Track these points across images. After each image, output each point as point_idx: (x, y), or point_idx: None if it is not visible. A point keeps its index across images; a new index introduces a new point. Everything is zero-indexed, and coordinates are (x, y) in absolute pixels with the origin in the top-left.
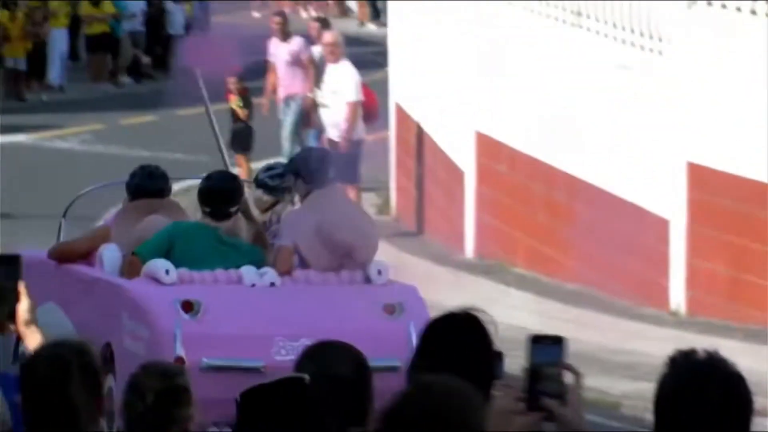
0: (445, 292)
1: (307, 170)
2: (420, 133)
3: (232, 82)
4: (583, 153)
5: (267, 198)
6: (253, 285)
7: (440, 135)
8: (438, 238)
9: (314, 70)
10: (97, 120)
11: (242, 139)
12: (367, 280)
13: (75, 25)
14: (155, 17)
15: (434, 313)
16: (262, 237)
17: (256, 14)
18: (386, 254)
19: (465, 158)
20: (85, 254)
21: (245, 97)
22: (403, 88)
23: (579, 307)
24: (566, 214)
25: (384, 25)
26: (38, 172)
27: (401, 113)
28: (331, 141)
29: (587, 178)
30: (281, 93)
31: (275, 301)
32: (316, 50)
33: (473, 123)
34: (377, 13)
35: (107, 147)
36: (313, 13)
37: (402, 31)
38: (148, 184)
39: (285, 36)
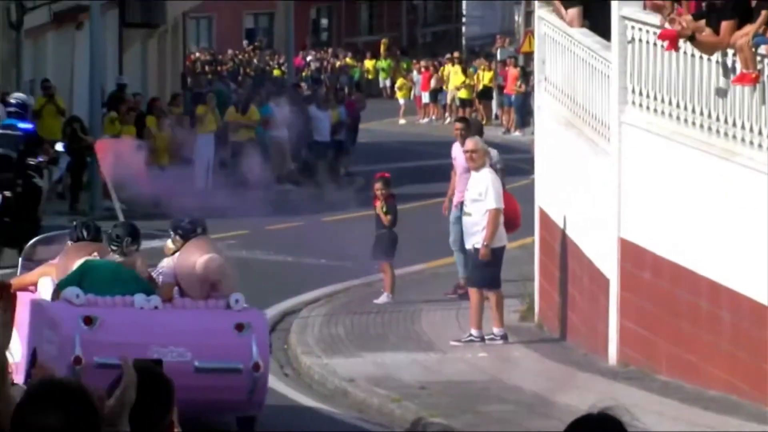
0: (588, 398)
1: (183, 227)
2: (564, 239)
3: (378, 188)
4: (727, 260)
5: (179, 241)
6: (142, 308)
7: (584, 241)
8: (581, 344)
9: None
10: (242, 225)
11: (385, 245)
12: (228, 306)
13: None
14: (301, 124)
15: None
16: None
17: (402, 121)
18: (529, 360)
19: (609, 265)
20: (34, 284)
21: (390, 203)
22: (548, 195)
23: (723, 414)
24: (710, 321)
25: (530, 132)
26: None
27: (545, 219)
28: (474, 249)
29: (731, 285)
30: (455, 198)
31: (155, 319)
32: (495, 155)
33: (617, 229)
34: (523, 121)
35: (251, 252)
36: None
37: (548, 139)
38: (83, 234)
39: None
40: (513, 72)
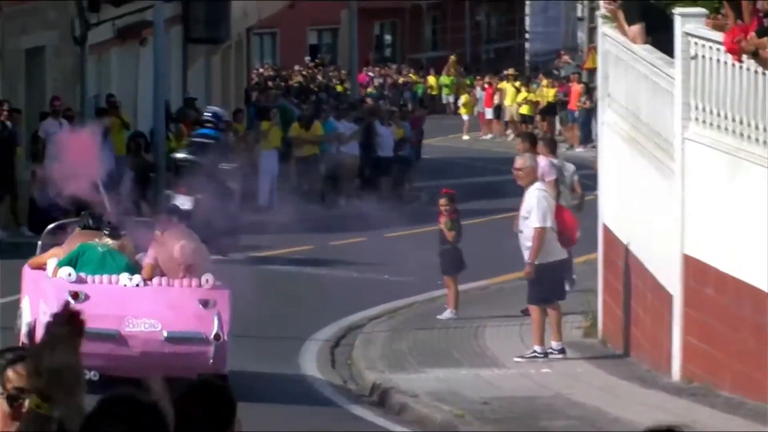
0: (651, 414)
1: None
2: (627, 255)
3: (442, 204)
4: None
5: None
6: (125, 285)
7: (647, 257)
8: (644, 360)
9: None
10: (307, 241)
11: (449, 261)
12: (199, 285)
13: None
14: (366, 140)
15: None
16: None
17: (465, 137)
18: (592, 376)
19: (672, 280)
20: (45, 263)
21: (454, 219)
22: (611, 211)
23: None
24: None
25: (593, 148)
26: (246, 292)
27: (609, 235)
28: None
29: None
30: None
31: (134, 295)
32: (570, 169)
33: (680, 245)
34: (586, 137)
35: (316, 268)
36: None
37: (611, 155)
38: (89, 222)
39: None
40: (577, 88)
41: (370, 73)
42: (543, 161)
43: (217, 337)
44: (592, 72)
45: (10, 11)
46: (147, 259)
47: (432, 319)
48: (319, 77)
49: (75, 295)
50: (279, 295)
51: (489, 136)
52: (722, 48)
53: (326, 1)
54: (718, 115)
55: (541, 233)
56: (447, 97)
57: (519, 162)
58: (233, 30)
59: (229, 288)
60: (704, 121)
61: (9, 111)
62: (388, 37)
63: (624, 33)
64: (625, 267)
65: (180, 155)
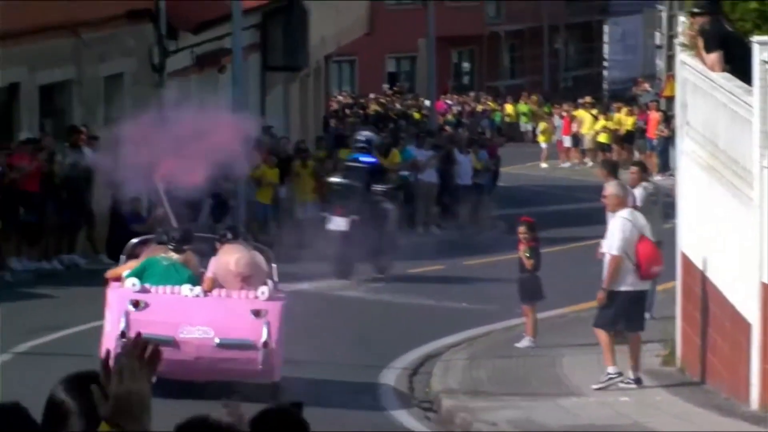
0: None
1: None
2: (706, 284)
3: (521, 232)
4: None
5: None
6: (186, 296)
7: (726, 285)
8: (722, 388)
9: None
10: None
11: (528, 289)
12: (256, 297)
13: None
14: (444, 167)
15: None
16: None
17: (543, 165)
18: (670, 405)
19: (751, 309)
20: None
21: (533, 247)
22: (690, 239)
23: None
24: None
25: (671, 176)
26: (323, 320)
27: (687, 263)
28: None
29: None
30: None
31: (191, 305)
32: (638, 194)
33: (759, 274)
34: (665, 165)
35: (394, 296)
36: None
37: (689, 183)
38: (165, 239)
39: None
40: (655, 116)
41: (448, 101)
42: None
43: (265, 344)
44: (671, 100)
45: (89, 38)
46: (207, 273)
47: (510, 347)
48: (398, 105)
49: (136, 303)
50: (357, 322)
51: (567, 164)
52: None
53: (404, 29)
54: None
55: (614, 260)
56: (525, 125)
57: (608, 189)
58: (312, 58)
59: (285, 299)
60: None
61: (88, 137)
62: (466, 65)
63: (702, 61)
64: (704, 295)
65: (335, 179)
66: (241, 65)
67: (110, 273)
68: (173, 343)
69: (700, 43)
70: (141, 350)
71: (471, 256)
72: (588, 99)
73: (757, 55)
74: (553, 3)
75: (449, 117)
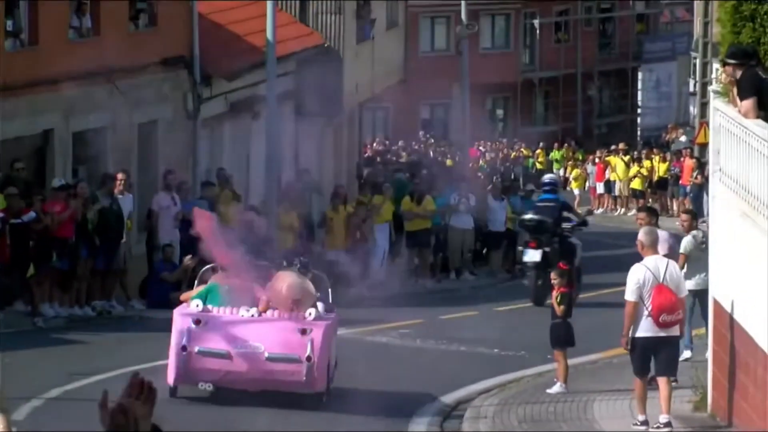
0: None
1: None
2: (737, 330)
3: (553, 278)
4: None
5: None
6: (242, 315)
7: (758, 332)
8: None
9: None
10: (417, 315)
11: (559, 335)
12: (304, 318)
13: (397, 221)
14: (478, 214)
15: None
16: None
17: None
18: None
19: None
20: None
21: (565, 294)
22: (722, 285)
23: None
24: None
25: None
26: (353, 366)
27: (719, 309)
28: None
29: None
30: None
31: (246, 324)
32: (687, 242)
33: None
34: (698, 212)
35: (425, 341)
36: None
37: (722, 230)
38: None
39: None
40: (689, 163)
41: (482, 148)
42: (663, 234)
43: (308, 358)
44: (704, 147)
45: (123, 85)
46: (263, 296)
47: (542, 393)
48: (431, 152)
49: (197, 322)
50: (389, 367)
51: (600, 210)
52: None
53: (439, 76)
54: None
55: (627, 306)
56: (558, 172)
57: (640, 235)
58: (345, 104)
59: (332, 321)
60: None
61: (125, 183)
62: (500, 112)
63: (736, 107)
64: (735, 341)
65: (527, 216)
66: (275, 112)
67: (183, 296)
68: (228, 356)
69: (735, 90)
70: (139, 390)
71: (503, 302)
72: (621, 145)
73: None
74: (587, 50)
75: (482, 163)
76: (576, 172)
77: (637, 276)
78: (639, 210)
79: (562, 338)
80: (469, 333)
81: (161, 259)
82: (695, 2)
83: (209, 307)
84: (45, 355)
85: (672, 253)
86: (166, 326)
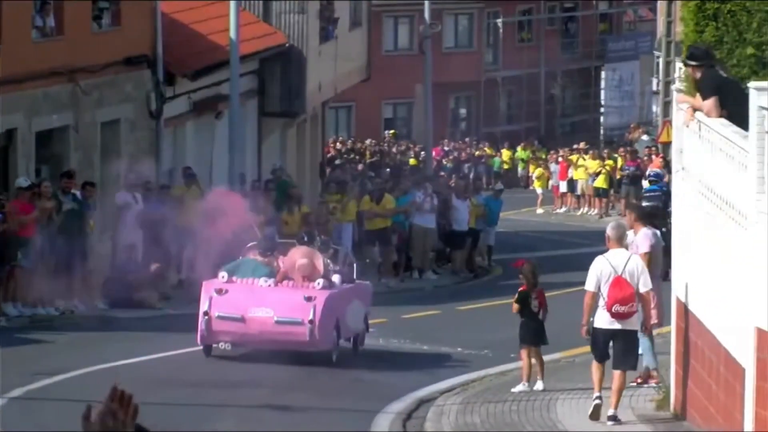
0: None
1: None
2: (700, 329)
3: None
4: None
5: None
6: (261, 285)
7: (720, 330)
8: None
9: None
10: (380, 314)
11: (524, 333)
12: (313, 287)
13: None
14: (441, 213)
15: None
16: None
17: (539, 210)
18: None
19: (745, 354)
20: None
21: (522, 292)
22: (685, 285)
23: None
24: None
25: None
26: (316, 366)
27: (682, 308)
28: None
29: None
30: None
31: (261, 292)
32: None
33: (753, 319)
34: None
35: (387, 341)
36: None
37: (685, 228)
38: (262, 247)
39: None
40: (657, 161)
41: (445, 147)
42: (646, 232)
43: (311, 321)
44: (667, 145)
45: (86, 84)
46: (281, 269)
47: (504, 392)
48: (394, 150)
49: (219, 291)
50: (351, 367)
51: (562, 209)
52: None
53: (402, 75)
54: None
55: (586, 296)
56: (522, 171)
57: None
58: (309, 104)
59: (338, 290)
60: None
61: (83, 184)
62: (463, 111)
63: (695, 106)
64: (698, 340)
65: (643, 203)
66: (238, 111)
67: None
68: (242, 320)
69: (696, 94)
70: (119, 400)
71: (465, 301)
72: (583, 145)
73: (754, 100)
74: (550, 49)
75: (446, 163)
76: (539, 171)
77: (597, 267)
78: (629, 206)
79: (527, 336)
80: (432, 332)
81: (124, 259)
82: (658, 1)
83: (233, 278)
84: (8, 355)
85: (655, 252)
86: (129, 326)
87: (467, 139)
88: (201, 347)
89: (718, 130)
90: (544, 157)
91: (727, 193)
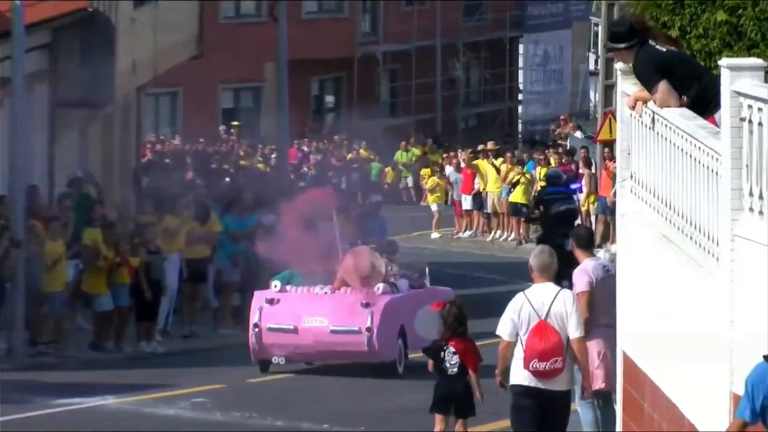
0: None
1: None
2: (654, 394)
3: None
4: None
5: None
6: (316, 293)
7: (683, 396)
8: None
9: None
10: (217, 377)
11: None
12: (373, 293)
13: None
14: None
15: None
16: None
17: (435, 235)
18: None
19: (717, 427)
20: None
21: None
22: (633, 333)
23: None
24: None
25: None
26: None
27: (629, 366)
28: None
29: None
30: None
31: (316, 299)
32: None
33: (730, 382)
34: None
35: (227, 414)
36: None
37: (633, 258)
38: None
39: None
40: (610, 167)
41: (305, 148)
42: (587, 264)
43: (368, 329)
44: (608, 145)
45: None
46: (338, 274)
47: None
48: (241, 152)
49: (271, 301)
50: None
51: (467, 233)
52: None
53: (246, 51)
54: None
55: (500, 345)
56: (405, 180)
57: None
58: (118, 90)
59: (401, 294)
60: (761, 213)
61: None
62: (330, 98)
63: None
64: (653, 410)
65: (562, 208)
66: (22, 99)
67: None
68: (295, 330)
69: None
70: None
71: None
72: (491, 145)
73: (727, 84)
74: (448, 15)
75: (306, 170)
76: (433, 181)
77: (514, 308)
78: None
79: (440, 403)
80: (288, 402)
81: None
82: None
83: (287, 287)
84: None
85: (604, 290)
86: None
87: (335, 137)
88: (256, 364)
89: (678, 124)
90: (440, 161)
91: (691, 211)
